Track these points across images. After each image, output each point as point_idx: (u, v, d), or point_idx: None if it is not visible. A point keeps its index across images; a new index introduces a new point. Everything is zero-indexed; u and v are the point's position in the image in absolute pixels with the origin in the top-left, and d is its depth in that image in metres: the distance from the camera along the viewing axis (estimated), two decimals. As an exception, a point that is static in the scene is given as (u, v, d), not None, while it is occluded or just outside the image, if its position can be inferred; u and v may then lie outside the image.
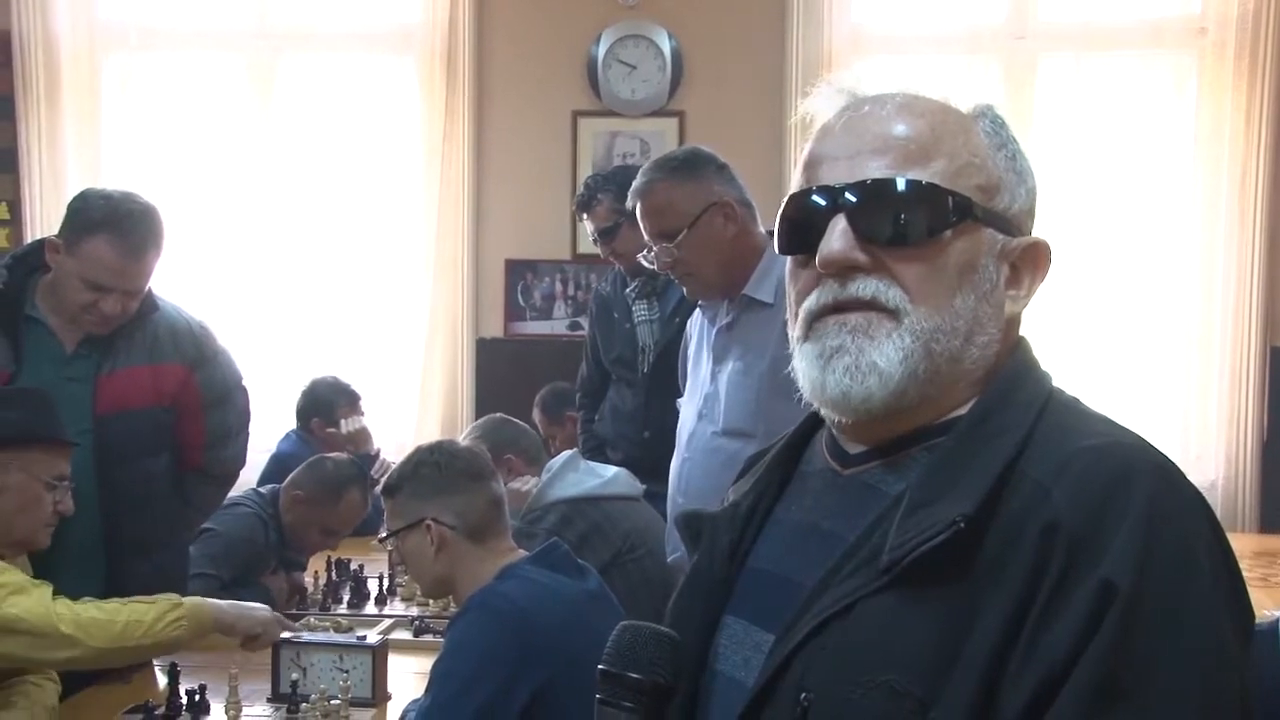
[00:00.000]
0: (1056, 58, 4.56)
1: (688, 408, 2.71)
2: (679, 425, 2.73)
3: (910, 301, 0.99)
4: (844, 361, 0.99)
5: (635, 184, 2.62)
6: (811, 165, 1.05)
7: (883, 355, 0.98)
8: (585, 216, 3.55)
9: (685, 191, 2.56)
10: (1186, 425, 4.51)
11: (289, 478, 3.33)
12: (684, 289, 2.74)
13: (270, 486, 3.37)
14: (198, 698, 2.37)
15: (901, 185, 0.99)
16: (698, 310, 2.76)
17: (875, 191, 0.99)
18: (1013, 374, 1.03)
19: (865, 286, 0.99)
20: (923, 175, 1.00)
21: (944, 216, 0.99)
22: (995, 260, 1.02)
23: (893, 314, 0.99)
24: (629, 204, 2.67)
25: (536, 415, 4.28)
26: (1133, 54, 4.54)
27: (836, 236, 0.99)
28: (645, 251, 2.63)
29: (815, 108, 1.09)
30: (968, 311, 1.00)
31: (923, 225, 0.99)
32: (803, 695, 0.94)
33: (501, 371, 4.81)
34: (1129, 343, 4.56)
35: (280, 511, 3.27)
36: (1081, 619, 0.86)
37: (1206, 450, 4.47)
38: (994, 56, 4.55)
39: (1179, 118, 4.53)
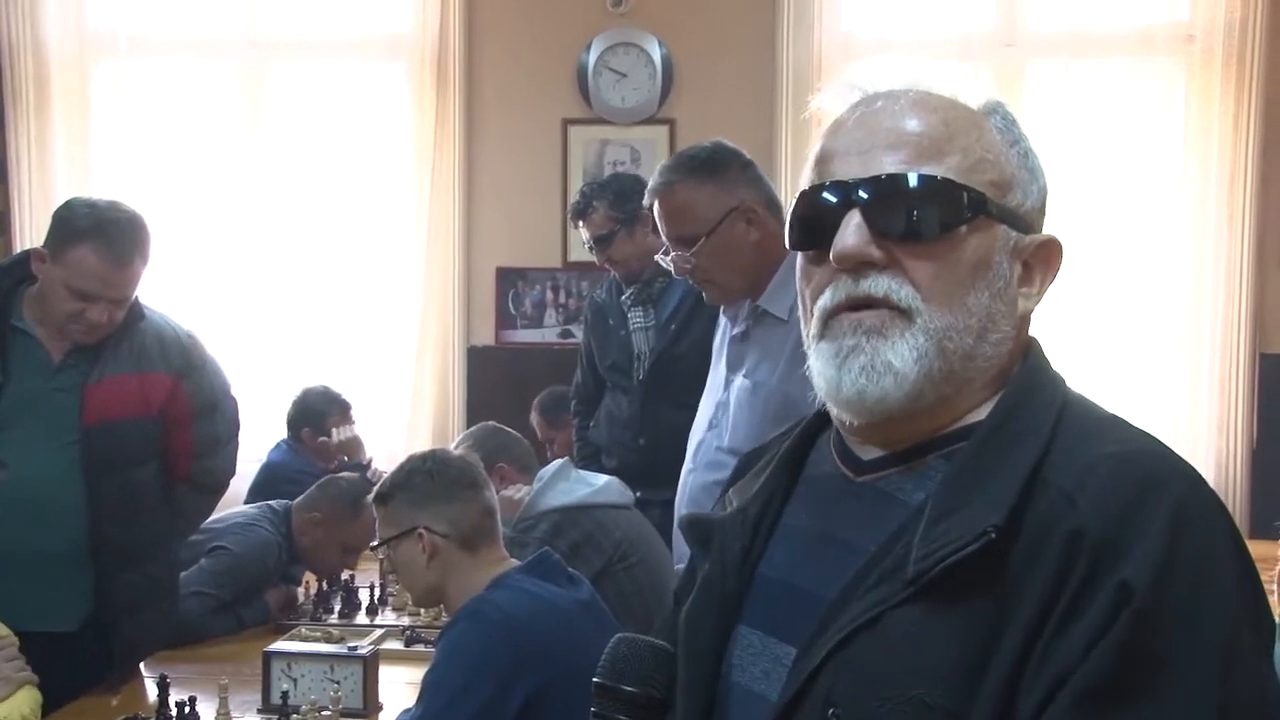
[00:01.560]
0: (1045, 64, 4.58)
1: (702, 411, 2.62)
2: (692, 429, 2.64)
3: (922, 300, 0.98)
4: (859, 361, 0.98)
5: (653, 182, 2.48)
6: (823, 161, 1.03)
7: (897, 355, 0.97)
8: (581, 224, 3.54)
9: (706, 194, 2.41)
10: (1176, 431, 4.51)
11: (299, 501, 3.31)
12: (704, 294, 2.60)
13: (281, 502, 3.35)
14: (187, 709, 2.36)
15: (916, 180, 0.98)
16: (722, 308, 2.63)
17: (890, 186, 0.99)
18: (1027, 378, 1.02)
19: (878, 284, 0.98)
20: (937, 170, 0.99)
21: (959, 212, 0.98)
22: (1008, 257, 1.01)
23: (905, 313, 0.98)
24: (646, 201, 2.52)
25: (535, 419, 4.28)
26: (1121, 61, 4.55)
27: (851, 231, 0.98)
28: (662, 253, 2.51)
29: (826, 103, 1.08)
30: (981, 309, 0.99)
31: (937, 221, 0.98)
32: (830, 711, 0.93)
33: (493, 380, 4.80)
34: (1118, 349, 4.57)
35: (294, 535, 3.26)
36: (1098, 621, 0.86)
37: (1196, 456, 4.46)
38: (983, 63, 4.55)
39: (1167, 124, 4.55)
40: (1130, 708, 0.85)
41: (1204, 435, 4.52)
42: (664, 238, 2.49)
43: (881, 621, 0.93)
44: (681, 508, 2.60)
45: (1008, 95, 1.10)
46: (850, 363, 0.99)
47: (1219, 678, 0.86)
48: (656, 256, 2.62)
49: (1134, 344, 4.59)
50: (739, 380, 2.48)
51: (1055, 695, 0.86)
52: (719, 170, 2.45)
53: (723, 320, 2.66)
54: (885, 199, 0.98)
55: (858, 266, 0.99)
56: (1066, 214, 4.24)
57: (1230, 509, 4.72)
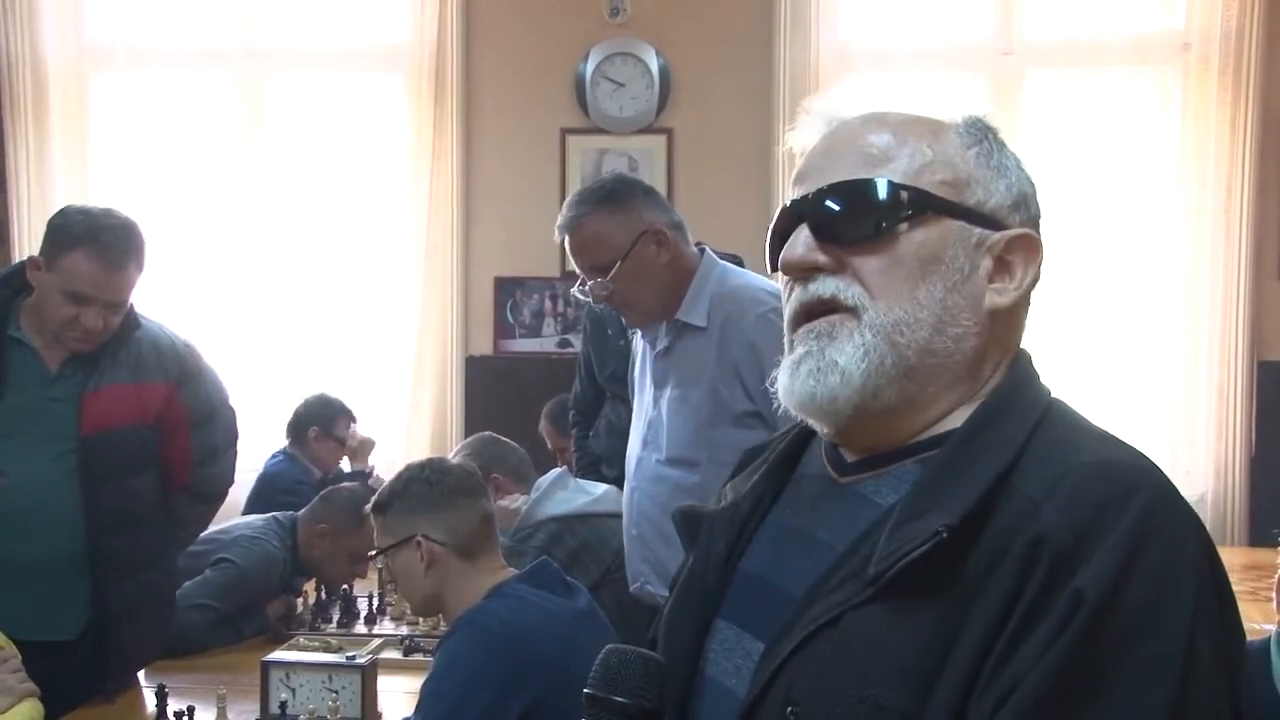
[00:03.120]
0: (1042, 73, 4.59)
1: (634, 434, 2.68)
2: (627, 452, 2.70)
3: (870, 297, 1.01)
4: (808, 365, 1.02)
5: (562, 219, 2.54)
6: (795, 184, 1.09)
7: (841, 353, 1.00)
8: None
9: (615, 222, 2.49)
10: (1174, 440, 4.51)
11: (304, 514, 3.31)
12: (624, 319, 2.69)
13: (288, 515, 3.35)
14: (185, 719, 2.35)
15: (855, 184, 1.03)
16: (639, 333, 2.72)
17: (831, 193, 1.03)
18: (1009, 387, 1.03)
19: (825, 286, 1.02)
20: (879, 175, 1.03)
21: (897, 210, 1.01)
22: (968, 252, 1.02)
23: (853, 312, 1.01)
24: (556, 238, 2.59)
25: (544, 428, 4.27)
26: (1118, 69, 4.56)
27: (800, 242, 1.04)
28: (579, 285, 2.57)
29: (799, 139, 1.12)
30: (934, 303, 1.01)
31: (876, 220, 1.01)
32: (789, 709, 0.94)
33: (491, 389, 4.80)
34: (1116, 357, 4.57)
35: (303, 547, 3.26)
36: (1051, 630, 0.86)
37: (1195, 465, 4.47)
38: (981, 72, 4.58)
39: (1164, 133, 4.55)
40: (1077, 717, 0.85)
41: (1203, 443, 4.52)
42: (579, 270, 2.56)
43: (842, 621, 0.94)
44: (631, 528, 2.63)
45: (1005, 104, 1.12)
46: (801, 367, 1.02)
47: (1170, 690, 0.86)
48: (572, 290, 2.67)
49: (1132, 352, 4.59)
50: (669, 392, 2.54)
51: (1005, 702, 0.86)
52: (624, 199, 2.53)
53: (638, 347, 2.73)
54: (829, 207, 1.03)
55: (806, 273, 1.03)
56: (1064, 222, 4.25)
57: (1229, 517, 4.70)
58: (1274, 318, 4.56)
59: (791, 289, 1.05)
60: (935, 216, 1.02)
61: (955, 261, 1.02)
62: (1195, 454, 4.50)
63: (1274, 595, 2.05)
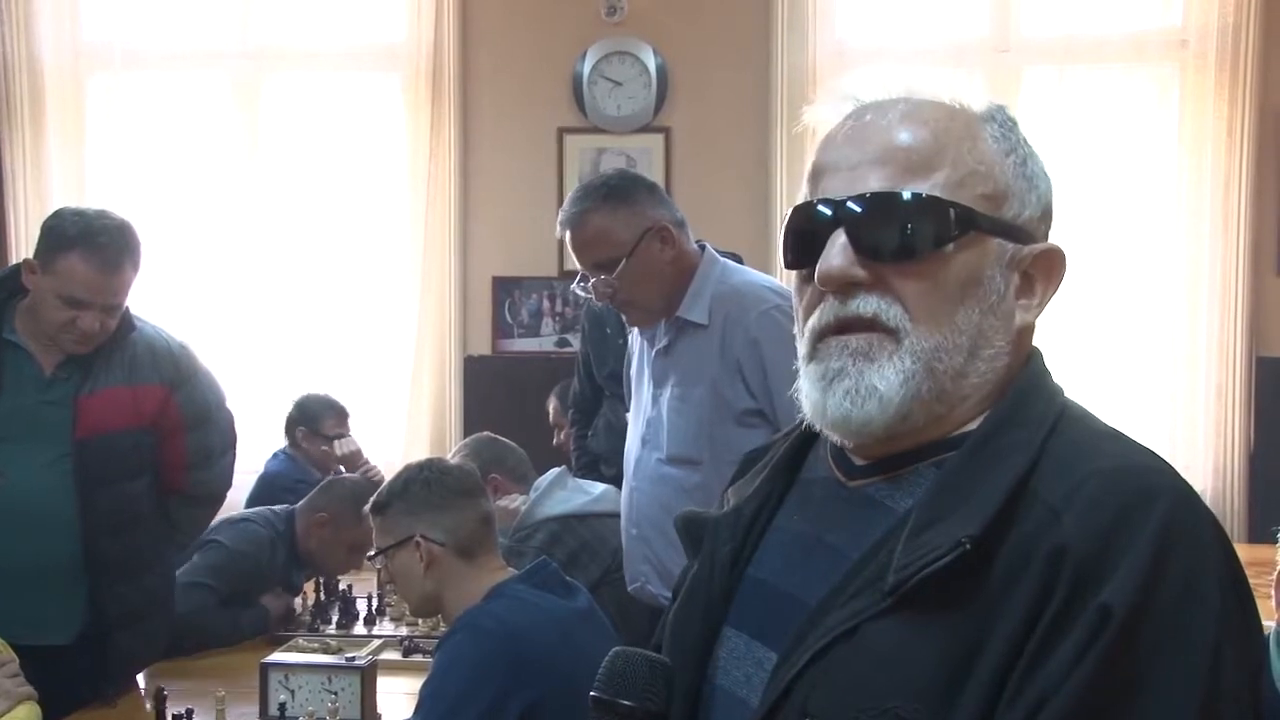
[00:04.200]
0: (1039, 71, 4.58)
1: (632, 433, 2.65)
2: (625, 450, 2.67)
3: (910, 320, 0.96)
4: (844, 385, 0.97)
5: (565, 214, 2.49)
6: (815, 176, 1.02)
7: (882, 379, 0.96)
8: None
9: (620, 219, 2.45)
10: (1173, 436, 4.51)
11: (303, 505, 3.30)
12: (625, 318, 2.65)
13: (284, 506, 3.35)
14: (184, 721, 2.35)
15: (902, 198, 0.97)
16: (635, 331, 2.69)
17: (875, 205, 0.97)
18: (1024, 388, 1.00)
19: (866, 304, 0.97)
20: (924, 187, 0.97)
21: (945, 230, 0.96)
22: (1003, 270, 0.99)
23: (893, 334, 0.97)
24: (558, 235, 2.54)
25: (552, 403, 4.28)
26: (1115, 67, 4.55)
27: (836, 252, 0.97)
28: (580, 282, 2.53)
29: (819, 116, 1.06)
30: (971, 327, 0.97)
31: (924, 239, 0.96)
32: None
33: (490, 389, 4.80)
34: (1114, 355, 4.57)
35: (301, 537, 3.25)
36: (1078, 644, 0.85)
37: (1194, 461, 4.47)
38: (978, 70, 4.56)
39: (1161, 130, 4.55)
40: None
41: (1201, 440, 4.51)
42: (581, 267, 2.51)
43: (860, 632, 0.92)
44: (631, 528, 2.62)
45: (1002, 102, 1.08)
46: (835, 386, 0.98)
47: (1198, 699, 0.85)
48: (573, 287, 2.63)
49: (1130, 350, 4.58)
50: (669, 391, 2.51)
51: (1033, 718, 0.85)
52: (628, 194, 2.49)
53: (637, 344, 2.70)
54: (870, 218, 0.97)
55: (844, 288, 0.98)
56: (1062, 220, 4.24)
57: (1228, 513, 4.68)
58: (1272, 313, 4.56)
59: (818, 297, 1.00)
60: (978, 236, 0.98)
61: (993, 282, 0.98)
62: (1194, 450, 4.50)
63: (1273, 592, 2.04)
